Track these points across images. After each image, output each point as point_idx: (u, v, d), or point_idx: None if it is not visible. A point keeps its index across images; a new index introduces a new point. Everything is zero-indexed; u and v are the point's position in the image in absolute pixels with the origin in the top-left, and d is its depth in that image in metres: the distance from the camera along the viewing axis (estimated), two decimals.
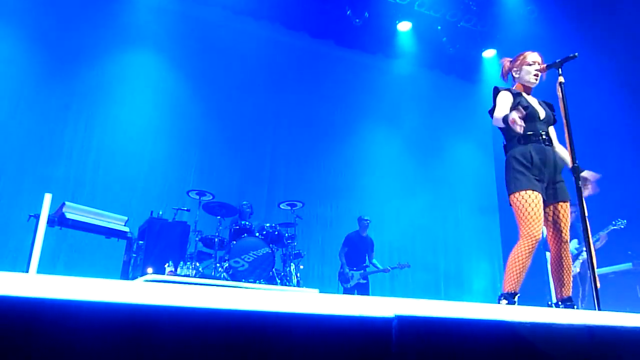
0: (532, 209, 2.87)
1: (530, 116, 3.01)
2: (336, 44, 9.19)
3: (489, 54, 9.46)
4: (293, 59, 8.94)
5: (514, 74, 3.23)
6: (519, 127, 2.79)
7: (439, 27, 8.95)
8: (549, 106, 3.20)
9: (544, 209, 3.01)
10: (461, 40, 9.10)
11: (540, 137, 3.02)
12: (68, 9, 7.46)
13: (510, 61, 3.28)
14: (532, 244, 2.86)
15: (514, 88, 3.23)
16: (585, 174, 3.03)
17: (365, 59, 9.51)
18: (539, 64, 3.15)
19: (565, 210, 3.01)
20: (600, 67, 6.75)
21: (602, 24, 7.27)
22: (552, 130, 3.21)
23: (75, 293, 0.90)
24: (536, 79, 3.15)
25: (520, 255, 2.85)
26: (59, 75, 7.25)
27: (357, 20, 8.58)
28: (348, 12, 8.54)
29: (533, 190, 2.90)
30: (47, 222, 4.21)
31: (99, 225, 4.74)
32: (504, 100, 3.08)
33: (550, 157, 3.01)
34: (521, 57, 3.20)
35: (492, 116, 3.15)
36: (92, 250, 6.37)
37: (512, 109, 2.98)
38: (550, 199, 3.01)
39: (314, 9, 8.54)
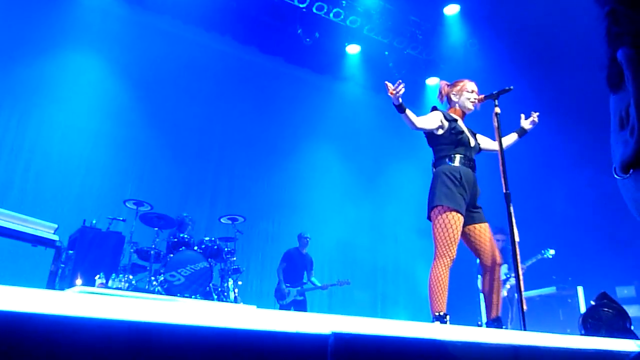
0: (453, 231, 3.01)
1: (463, 142, 3.23)
2: (285, 61, 9.25)
3: (432, 81, 9.84)
4: (241, 72, 8.91)
5: (452, 97, 3.42)
6: (392, 91, 3.04)
7: (387, 53, 9.23)
8: (475, 136, 3.43)
9: (467, 229, 3.18)
10: (407, 67, 9.42)
11: (470, 162, 3.22)
12: (5, 3, 7.09)
13: (449, 85, 3.48)
14: (449, 264, 3.01)
15: (449, 112, 3.39)
16: (523, 123, 3.51)
17: (313, 78, 9.62)
18: (476, 93, 3.37)
19: (487, 231, 3.19)
20: (535, 100, 7.17)
21: (538, 58, 7.75)
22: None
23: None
24: (473, 106, 3.37)
25: (440, 275, 2.97)
26: None
27: (308, 39, 8.70)
28: (299, 31, 8.64)
29: (456, 212, 3.04)
30: None
31: (25, 232, 4.45)
32: (432, 116, 3.28)
33: (472, 179, 3.20)
34: (461, 84, 3.41)
35: (425, 134, 3.34)
36: (16, 258, 5.98)
37: (447, 132, 3.24)
38: (470, 221, 3.18)
39: (265, 24, 8.58)
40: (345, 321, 1.11)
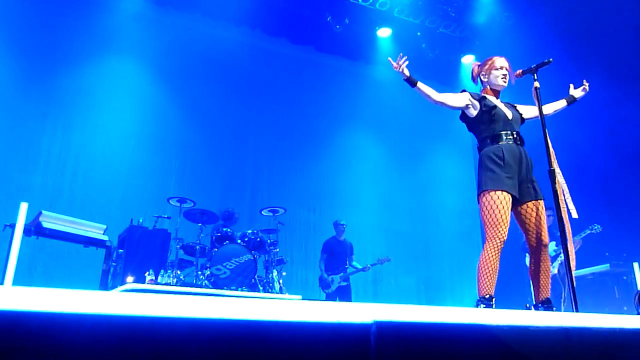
0: (500, 211, 2.91)
1: (498, 116, 3.12)
2: (317, 50, 9.22)
3: (468, 59, 9.58)
4: (274, 64, 8.94)
5: (482, 77, 3.33)
6: (396, 66, 3.08)
7: (419, 33, 9.05)
8: (515, 108, 3.31)
9: (518, 208, 3.07)
10: (440, 46, 9.21)
11: (512, 137, 3.09)
12: (45, 15, 7.36)
13: (479, 65, 3.39)
14: (499, 246, 2.91)
15: (482, 92, 3.31)
16: (573, 92, 3.45)
17: (345, 64, 9.56)
18: (506, 69, 3.26)
19: (540, 209, 3.05)
20: (577, 72, 6.88)
21: (578, 29, 7.41)
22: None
23: (52, 305, 0.88)
24: (504, 82, 3.25)
25: (490, 258, 2.89)
26: (36, 82, 7.14)
27: (338, 26, 8.63)
28: (328, 19, 8.58)
29: (502, 191, 2.93)
30: (24, 232, 4.12)
31: (77, 234, 4.65)
32: (457, 95, 3.23)
33: (522, 156, 3.08)
34: (489, 62, 3.31)
35: (463, 121, 3.27)
36: (70, 259, 6.26)
37: (480, 111, 3.16)
38: (525, 197, 3.05)
39: (294, 15, 8.56)
40: (387, 309, 1.10)
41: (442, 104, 3.15)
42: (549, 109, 3.40)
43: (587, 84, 3.46)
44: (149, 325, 0.93)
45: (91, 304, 0.92)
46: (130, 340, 0.90)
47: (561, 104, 3.43)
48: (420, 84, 3.11)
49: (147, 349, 0.91)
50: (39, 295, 0.91)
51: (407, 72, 3.09)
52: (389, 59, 3.16)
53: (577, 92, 3.46)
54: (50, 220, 4.46)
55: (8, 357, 0.81)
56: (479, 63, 3.41)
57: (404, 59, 3.06)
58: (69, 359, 0.86)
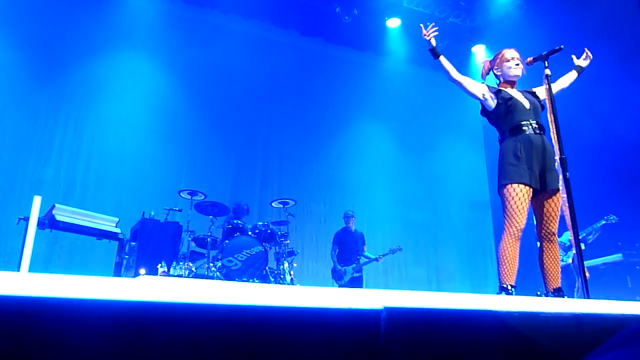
0: (518, 202, 2.94)
1: (514, 107, 3.12)
2: (326, 42, 9.20)
3: (478, 49, 9.49)
4: (283, 57, 8.93)
5: (495, 72, 3.33)
6: (425, 33, 3.24)
7: (429, 24, 8.96)
8: (534, 95, 3.29)
9: (539, 196, 3.07)
10: (450, 36, 9.11)
11: (529, 127, 3.08)
12: (56, 10, 7.42)
13: (490, 61, 3.39)
14: (515, 234, 2.94)
15: (498, 86, 3.30)
16: (579, 62, 3.45)
17: (355, 56, 9.52)
18: (517, 59, 3.26)
19: (556, 200, 3.05)
20: (593, 57, 6.75)
21: (590, 16, 7.28)
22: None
23: (67, 291, 0.90)
24: (517, 72, 3.25)
25: (507, 246, 2.93)
26: (48, 77, 7.21)
27: (347, 17, 8.59)
28: (337, 10, 8.54)
29: (521, 184, 2.95)
30: (37, 225, 4.17)
31: (90, 227, 4.69)
32: (475, 83, 3.27)
33: (540, 145, 3.05)
34: (499, 55, 3.32)
35: (484, 115, 3.27)
36: (83, 252, 6.35)
37: (496, 103, 3.16)
38: (546, 186, 3.04)
39: (303, 6, 8.54)
40: (397, 295, 1.11)
41: (459, 83, 3.20)
42: (564, 82, 3.41)
43: (588, 51, 3.47)
44: (161, 311, 0.94)
45: (103, 289, 0.93)
46: (143, 326, 0.92)
47: (572, 75, 3.44)
48: (442, 58, 3.20)
49: (160, 333, 0.92)
50: (52, 281, 0.93)
51: (434, 42, 3.19)
52: (421, 25, 3.28)
53: (582, 62, 3.47)
54: (64, 214, 4.51)
55: (23, 340, 0.83)
56: (490, 59, 3.42)
57: (434, 28, 3.16)
58: (82, 344, 0.87)
